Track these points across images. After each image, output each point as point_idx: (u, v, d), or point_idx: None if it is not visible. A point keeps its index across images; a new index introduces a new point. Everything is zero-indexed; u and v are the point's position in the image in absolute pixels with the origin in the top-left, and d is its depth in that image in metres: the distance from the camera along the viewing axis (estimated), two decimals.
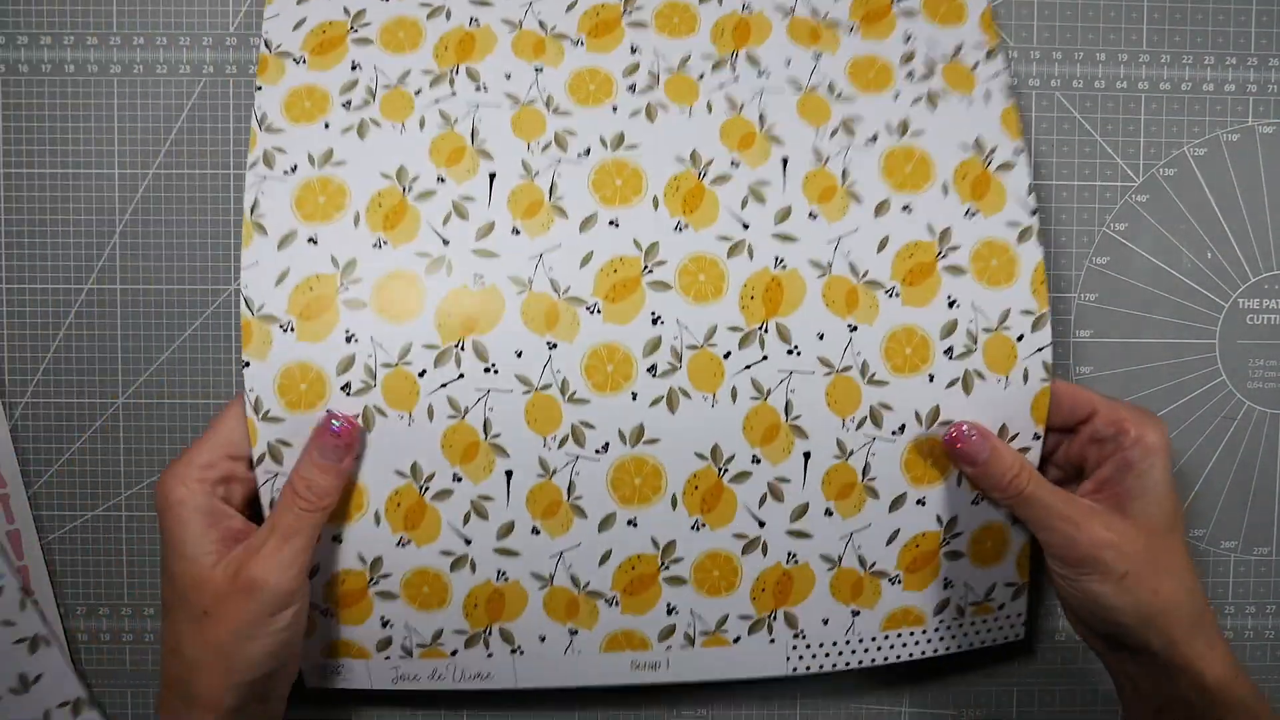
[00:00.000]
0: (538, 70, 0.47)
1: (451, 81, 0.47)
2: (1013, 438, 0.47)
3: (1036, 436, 0.47)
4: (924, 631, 0.49)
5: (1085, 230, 0.52)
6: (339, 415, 0.44)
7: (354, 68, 0.47)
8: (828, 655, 0.49)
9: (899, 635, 0.49)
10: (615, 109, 0.47)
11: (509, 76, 0.47)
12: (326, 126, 0.46)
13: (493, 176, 0.46)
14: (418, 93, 0.47)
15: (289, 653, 0.43)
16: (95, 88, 0.51)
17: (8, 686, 0.50)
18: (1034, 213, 0.47)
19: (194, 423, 0.52)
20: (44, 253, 0.51)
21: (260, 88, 0.46)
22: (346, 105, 0.46)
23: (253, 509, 0.45)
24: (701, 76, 0.47)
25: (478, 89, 0.47)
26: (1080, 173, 0.52)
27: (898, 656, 0.49)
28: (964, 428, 0.46)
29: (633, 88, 0.47)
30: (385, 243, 0.45)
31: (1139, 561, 0.43)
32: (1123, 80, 0.52)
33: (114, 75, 0.51)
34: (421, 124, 0.46)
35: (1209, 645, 0.43)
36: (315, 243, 0.45)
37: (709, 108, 0.47)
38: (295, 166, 0.46)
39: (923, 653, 0.49)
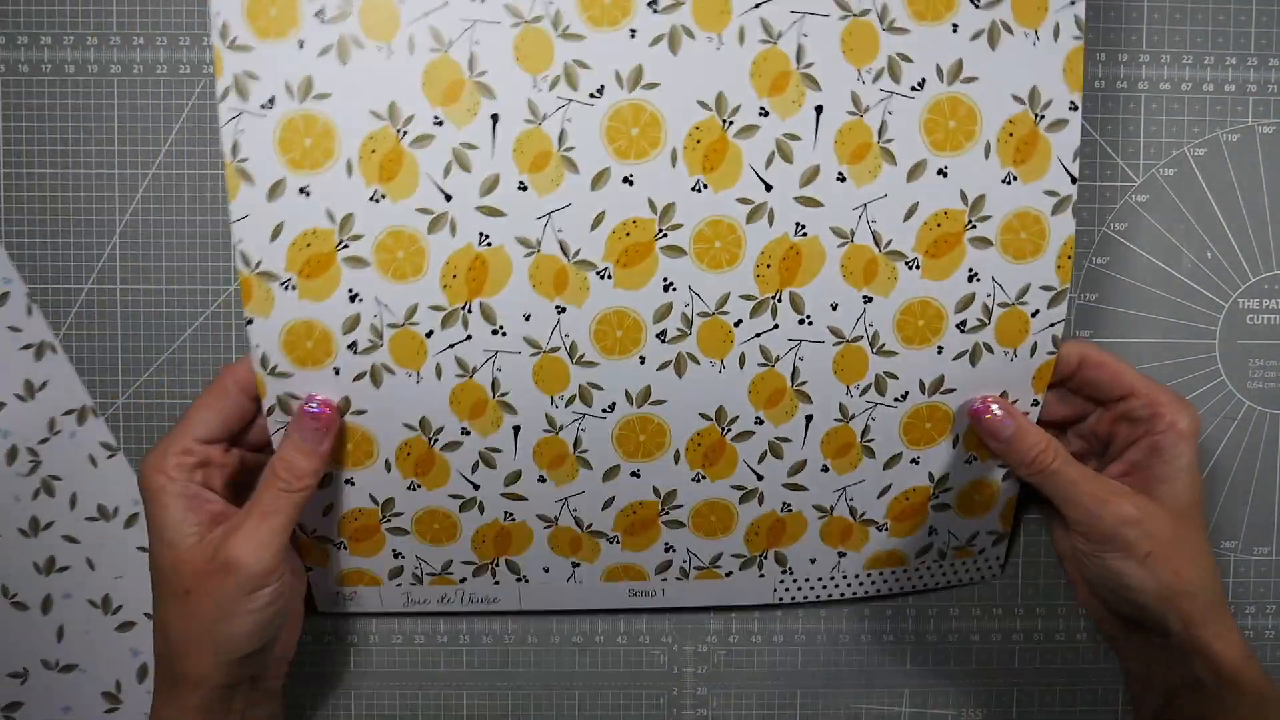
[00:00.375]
0: None
1: None
2: (1012, 403, 0.48)
3: (1035, 403, 0.48)
4: (905, 571, 0.51)
5: (1085, 230, 0.53)
6: (317, 398, 0.44)
7: None
8: (812, 589, 0.51)
9: (880, 574, 0.51)
10: (634, 33, 0.42)
11: None
12: (301, 45, 0.41)
13: (495, 119, 0.42)
14: (402, 2, 0.41)
15: (272, 631, 0.43)
16: (95, 88, 0.51)
17: (13, 392, 0.50)
18: (1074, 180, 0.45)
19: None
20: (44, 253, 0.51)
21: None
22: (319, 15, 0.41)
23: (234, 492, 0.45)
24: None
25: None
26: (1080, 173, 0.52)
27: (877, 590, 0.51)
28: (990, 404, 0.46)
29: (654, 4, 0.42)
30: (383, 196, 0.43)
31: (1163, 542, 0.43)
32: (1122, 80, 0.52)
33: (114, 75, 0.51)
34: (411, 45, 0.42)
35: (1225, 629, 0.44)
36: (307, 194, 0.42)
37: (741, 35, 0.42)
38: (273, 99, 0.42)
39: (900, 588, 0.51)
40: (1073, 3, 0.43)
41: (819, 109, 0.43)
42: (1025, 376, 0.47)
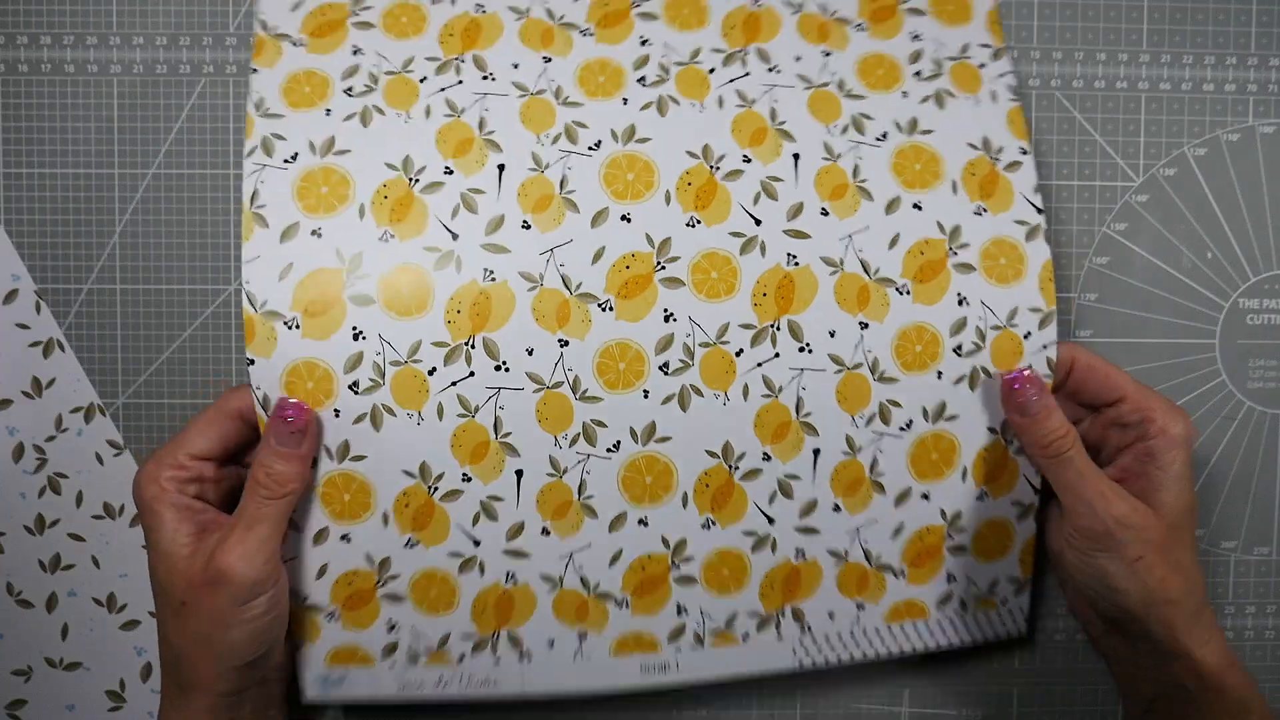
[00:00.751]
0: (546, 60, 0.46)
1: (457, 69, 0.46)
2: (1014, 434, 0.48)
3: None
4: (926, 624, 0.49)
5: (1085, 230, 0.52)
6: (290, 401, 0.44)
7: (355, 52, 0.46)
8: (832, 649, 0.49)
9: (902, 628, 0.49)
10: (626, 101, 0.46)
11: (516, 66, 0.46)
12: (328, 113, 0.45)
13: (501, 168, 0.45)
14: (423, 80, 0.46)
15: (271, 637, 0.43)
16: (95, 88, 0.51)
17: (20, 390, 0.51)
18: (1041, 211, 0.47)
19: None
20: (44, 252, 0.51)
21: (256, 70, 0.45)
22: (349, 91, 0.45)
23: (230, 502, 0.45)
24: (712, 70, 0.47)
25: (485, 78, 0.46)
26: (1080, 173, 0.52)
27: (900, 650, 0.49)
28: (1026, 375, 0.46)
29: (643, 79, 0.47)
30: (392, 236, 0.44)
31: (1153, 549, 0.44)
32: (1123, 80, 0.52)
33: (114, 75, 0.51)
34: (427, 113, 0.45)
35: (1206, 636, 0.44)
36: (319, 236, 0.44)
37: (720, 102, 0.47)
38: (296, 155, 0.44)
39: (925, 646, 0.49)
40: (1003, 75, 0.48)
41: (796, 156, 0.47)
42: None
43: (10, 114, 0.51)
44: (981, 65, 0.48)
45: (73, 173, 0.51)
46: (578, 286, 0.45)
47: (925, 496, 0.48)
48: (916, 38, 0.48)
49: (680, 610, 0.47)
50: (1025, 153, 0.47)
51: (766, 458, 0.47)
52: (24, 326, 0.51)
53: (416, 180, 0.45)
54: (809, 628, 0.48)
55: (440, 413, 0.45)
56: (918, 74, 0.48)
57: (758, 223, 0.46)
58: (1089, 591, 0.46)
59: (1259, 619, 0.54)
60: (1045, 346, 0.47)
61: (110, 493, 0.51)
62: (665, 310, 0.45)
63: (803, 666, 0.49)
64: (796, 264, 0.46)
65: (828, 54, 0.48)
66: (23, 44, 0.51)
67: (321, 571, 0.45)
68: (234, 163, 0.51)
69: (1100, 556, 0.44)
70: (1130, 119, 0.52)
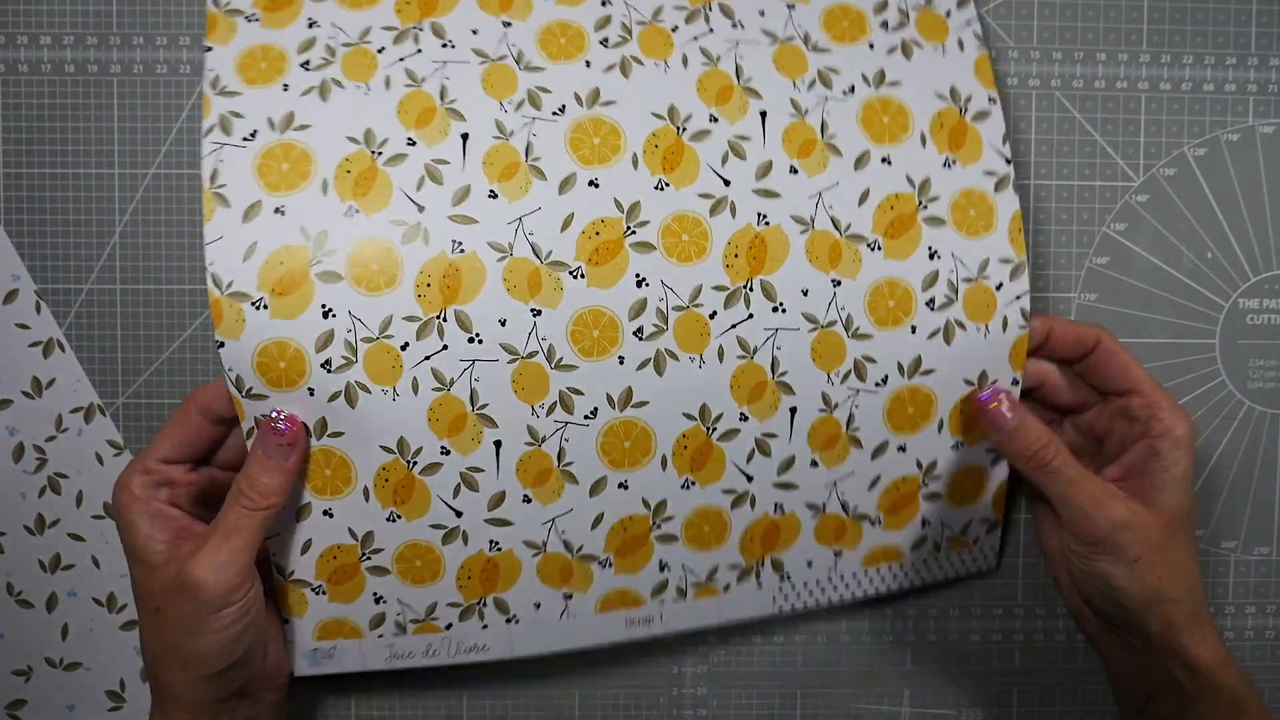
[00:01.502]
0: (506, 25, 0.45)
1: (416, 38, 0.45)
2: (992, 382, 0.48)
3: (1015, 382, 0.48)
4: (901, 566, 0.51)
5: (1085, 230, 0.52)
6: (282, 413, 0.43)
7: (311, 25, 0.45)
8: (810, 594, 0.50)
9: (878, 570, 0.50)
10: (589, 64, 0.45)
11: (475, 32, 0.45)
12: (285, 88, 0.44)
13: (465, 137, 0.44)
14: (381, 50, 0.45)
15: (240, 649, 0.43)
16: (95, 88, 0.51)
17: (20, 390, 0.51)
18: (1009, 161, 0.48)
19: None
20: (44, 252, 0.51)
21: (210, 48, 0.44)
22: (306, 65, 0.44)
23: (207, 510, 0.45)
24: (675, 29, 0.46)
25: (444, 45, 0.45)
26: (1080, 173, 0.52)
27: (876, 590, 0.51)
28: (998, 394, 0.47)
29: (605, 41, 0.46)
30: (357, 211, 0.43)
31: (1152, 548, 0.44)
32: (1123, 80, 0.52)
33: (114, 75, 0.51)
34: (387, 83, 0.44)
35: (1203, 635, 0.44)
36: (283, 213, 0.43)
37: (684, 61, 0.46)
38: (255, 132, 0.43)
39: (899, 586, 0.51)
40: (969, 23, 0.48)
41: (763, 114, 0.46)
42: (1002, 354, 0.48)
43: (10, 114, 0.51)
44: (947, 13, 0.48)
45: (73, 173, 0.51)
46: (548, 255, 0.44)
47: (902, 449, 0.49)
48: None
49: (662, 567, 0.48)
50: (993, 101, 0.48)
51: (744, 418, 0.47)
52: (24, 326, 0.51)
53: (379, 153, 0.44)
54: (788, 576, 0.50)
55: (415, 387, 0.44)
56: (884, 24, 0.48)
57: (727, 183, 0.46)
58: (1088, 592, 0.46)
59: (1259, 619, 0.54)
60: (1018, 297, 0.48)
61: (110, 493, 0.51)
62: (637, 275, 0.45)
63: (781, 611, 0.50)
64: (767, 223, 0.46)
65: (791, 6, 0.47)
66: (23, 44, 0.51)
67: (305, 547, 0.46)
68: None
69: (1099, 560, 0.44)
70: (1130, 119, 0.52)
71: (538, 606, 0.47)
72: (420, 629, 0.47)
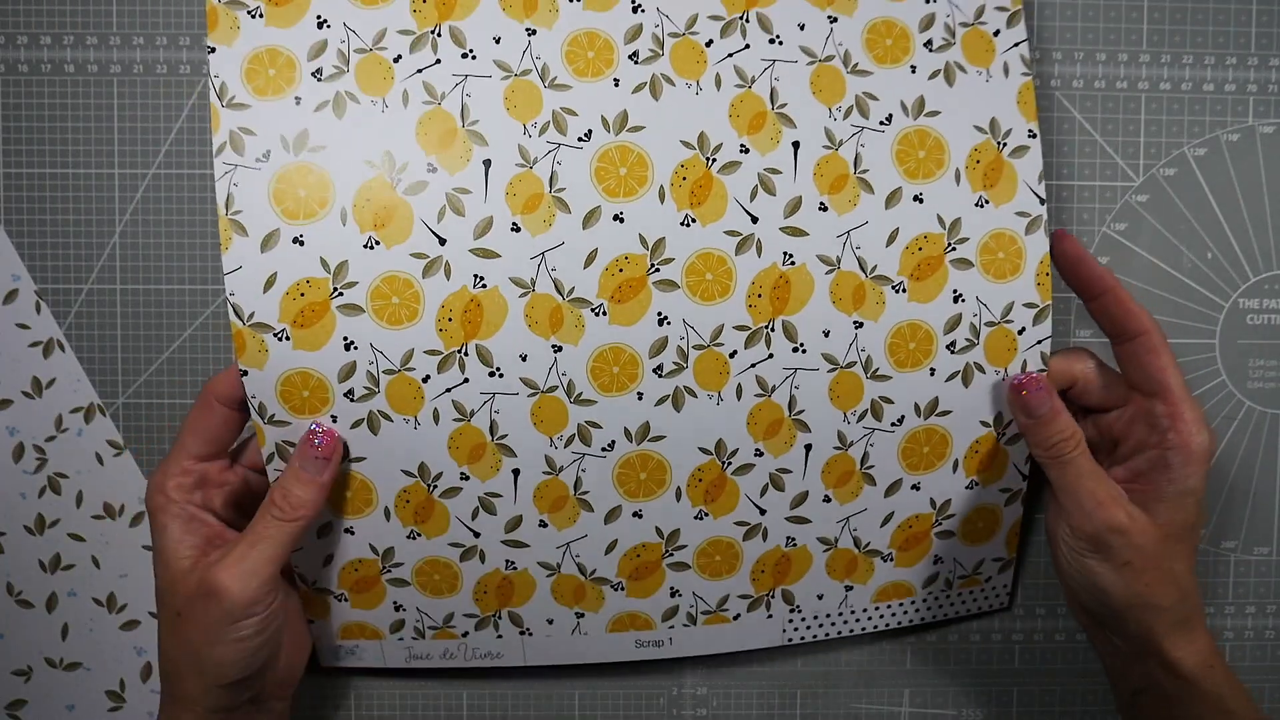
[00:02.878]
0: (530, 33, 0.44)
1: (434, 45, 0.43)
2: (1006, 425, 0.48)
3: None
4: (912, 602, 0.51)
5: (1085, 230, 0.52)
6: (321, 427, 0.44)
7: (321, 25, 0.43)
8: (820, 626, 0.50)
9: (889, 606, 0.50)
10: (617, 82, 0.44)
11: (498, 40, 0.43)
12: (298, 101, 0.43)
13: (488, 164, 0.43)
14: (397, 60, 0.43)
15: (259, 660, 0.43)
16: (95, 88, 0.51)
17: (20, 390, 0.51)
18: (1043, 201, 0.46)
19: None
20: (44, 252, 0.51)
21: (213, 49, 0.42)
22: (317, 75, 0.43)
23: (240, 515, 0.45)
24: (710, 43, 0.44)
25: (464, 55, 0.43)
26: (1080, 173, 0.52)
27: (886, 625, 0.51)
28: (1034, 378, 0.46)
29: (635, 56, 0.44)
30: (377, 242, 0.43)
31: (1144, 556, 0.43)
32: (1123, 80, 0.52)
33: (114, 75, 0.51)
34: (405, 99, 0.43)
35: (1188, 641, 0.44)
36: (301, 244, 0.43)
37: (718, 82, 0.44)
38: (268, 153, 0.42)
39: (910, 621, 0.51)
40: (1017, 45, 0.46)
41: (796, 144, 0.45)
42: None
43: (10, 114, 0.51)
44: (996, 32, 0.46)
45: (73, 173, 0.51)
46: (570, 291, 0.44)
47: (915, 487, 0.49)
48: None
49: (674, 593, 0.48)
50: (1033, 135, 0.46)
51: (759, 454, 0.47)
52: (24, 326, 0.51)
53: (399, 180, 0.43)
54: (798, 608, 0.50)
55: (436, 417, 0.45)
56: (928, 44, 0.45)
57: (754, 220, 0.45)
58: (1075, 585, 0.46)
59: (1259, 619, 0.54)
60: (1040, 342, 0.47)
61: (110, 493, 0.51)
62: (659, 314, 0.45)
63: (791, 642, 0.50)
64: (793, 263, 0.45)
65: (834, 19, 0.45)
66: (23, 44, 0.51)
67: (327, 560, 0.47)
68: None
69: (1089, 556, 0.44)
70: (1130, 119, 0.52)
71: (550, 622, 0.48)
72: (438, 635, 0.48)
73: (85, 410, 0.51)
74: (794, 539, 0.49)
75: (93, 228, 0.51)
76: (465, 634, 0.48)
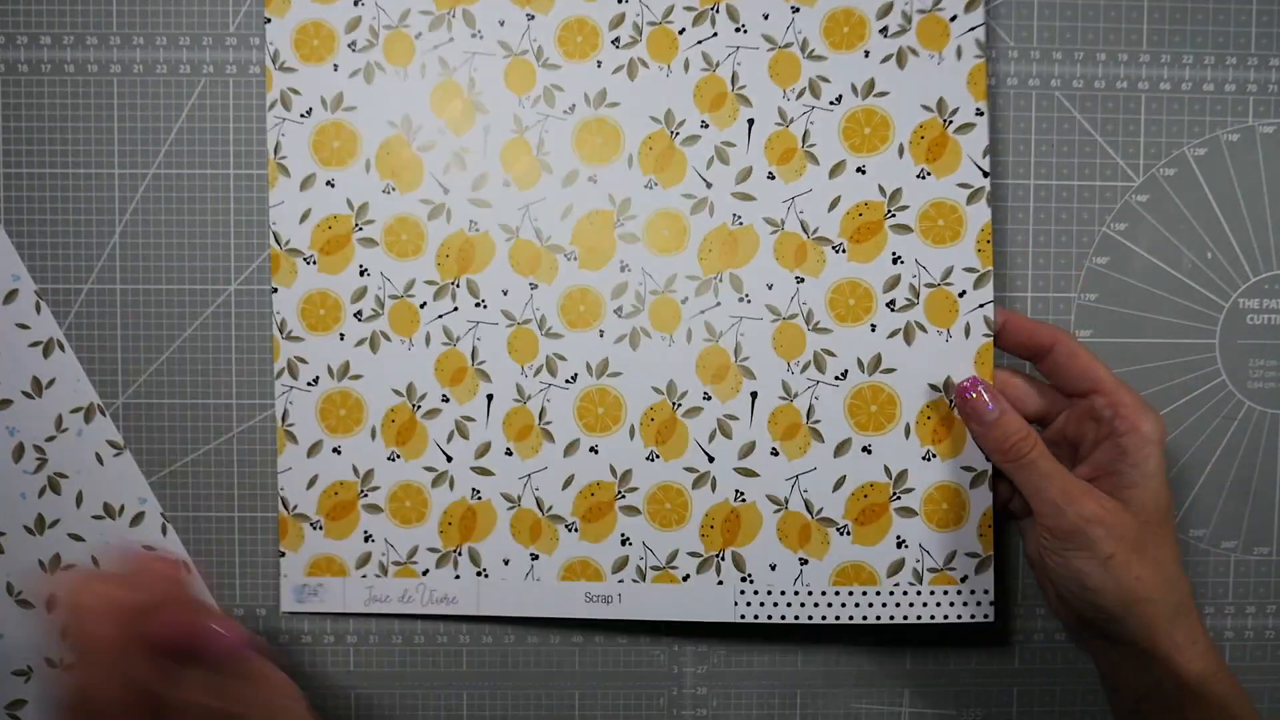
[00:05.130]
0: (529, 17, 0.51)
1: (449, 25, 0.51)
2: (971, 375, 0.49)
3: None
4: (878, 593, 0.51)
5: (1085, 230, 0.52)
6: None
7: (357, 2, 0.51)
8: (775, 605, 0.51)
9: (850, 593, 0.51)
10: (600, 64, 0.51)
11: (502, 23, 0.51)
12: (335, 69, 0.51)
13: (487, 129, 0.51)
14: (418, 36, 0.51)
15: None
16: (95, 88, 0.51)
17: (20, 390, 0.51)
18: (986, 175, 0.50)
19: (194, 422, 0.52)
20: (44, 252, 0.51)
21: (269, 20, 0.50)
22: (352, 46, 0.51)
23: None
24: (682, 31, 0.51)
25: (473, 35, 0.51)
26: (1080, 173, 0.52)
27: (849, 617, 0.51)
28: (978, 384, 0.47)
29: (617, 40, 0.51)
30: (394, 189, 0.51)
31: (1126, 545, 0.44)
32: (1123, 80, 0.52)
33: (114, 75, 0.51)
34: (423, 70, 0.51)
35: (1189, 639, 0.44)
36: (332, 186, 0.51)
37: (685, 66, 0.51)
38: (310, 110, 0.51)
39: (877, 617, 0.51)
40: (973, 29, 0.50)
41: (750, 121, 0.51)
42: (965, 358, 0.50)
43: (10, 114, 0.51)
44: (953, 18, 0.50)
45: (73, 173, 0.51)
46: (548, 239, 0.51)
47: (866, 449, 0.51)
48: None
49: (625, 541, 0.51)
50: (980, 114, 0.50)
51: (707, 397, 0.51)
52: (24, 326, 0.51)
53: (414, 139, 0.51)
54: (750, 577, 0.51)
55: (428, 340, 0.51)
56: (884, 30, 0.50)
57: (709, 185, 0.51)
58: (1067, 594, 0.46)
59: (1259, 619, 0.54)
60: (981, 305, 0.50)
61: (110, 493, 0.51)
62: (622, 262, 0.51)
63: (744, 619, 0.51)
64: (741, 224, 0.51)
65: (796, 9, 0.51)
66: (23, 44, 0.51)
67: (312, 482, 0.52)
68: (234, 163, 0.51)
69: (1073, 556, 0.44)
70: (1130, 119, 0.52)
71: (506, 563, 0.52)
72: (400, 572, 0.52)
73: (85, 410, 0.51)
74: (742, 493, 0.51)
75: (93, 228, 0.51)
76: (425, 572, 0.52)
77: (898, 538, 0.51)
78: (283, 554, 0.52)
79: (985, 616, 0.51)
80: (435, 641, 0.53)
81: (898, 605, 0.51)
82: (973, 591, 0.51)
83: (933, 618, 0.51)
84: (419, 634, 0.53)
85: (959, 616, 0.51)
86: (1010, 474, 0.46)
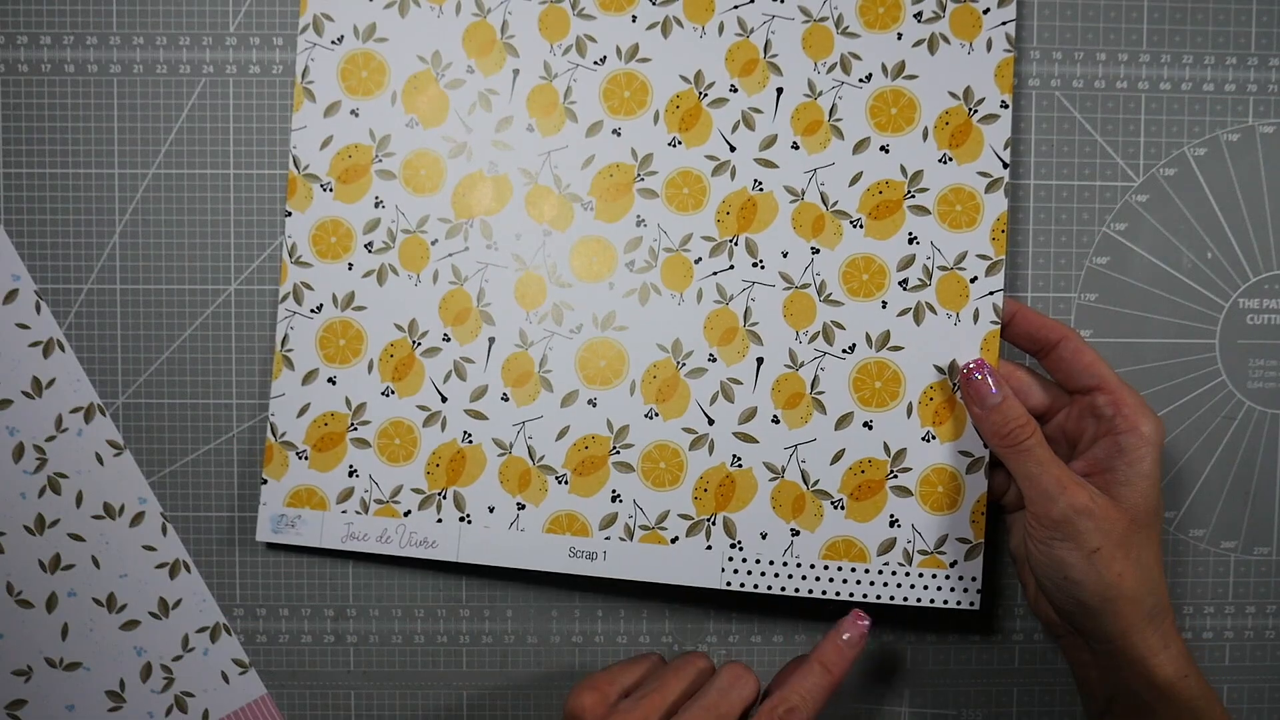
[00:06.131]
0: None
1: None
2: (977, 358, 0.49)
3: None
4: (866, 570, 0.50)
5: (1085, 230, 0.52)
6: None
7: None
8: (764, 575, 0.50)
9: (839, 568, 0.50)
10: (635, 19, 0.51)
11: None
12: (371, 0, 0.51)
13: (516, 73, 0.51)
14: None
15: None
16: (95, 88, 0.51)
17: (20, 390, 0.51)
18: (1006, 165, 0.50)
19: (194, 422, 0.52)
20: (44, 252, 0.51)
21: None
22: None
23: None
24: None
25: None
26: (1080, 173, 0.52)
27: (836, 593, 0.50)
28: (984, 367, 0.47)
29: None
30: (417, 124, 0.51)
31: (1112, 541, 0.44)
32: (1123, 80, 0.52)
33: (114, 75, 0.51)
34: (458, 9, 0.51)
35: (1163, 643, 0.44)
36: (356, 115, 0.51)
37: (720, 29, 0.51)
38: (342, 37, 0.51)
39: (864, 595, 0.50)
40: (1005, 23, 0.50)
41: (779, 90, 0.51)
42: (972, 343, 0.50)
43: (10, 114, 0.51)
44: (986, 10, 0.50)
45: (73, 173, 0.51)
46: (566, 186, 0.51)
47: (868, 425, 0.50)
48: None
49: (615, 497, 0.51)
50: (1005, 106, 0.50)
51: (712, 359, 0.51)
52: (24, 326, 0.51)
53: (442, 76, 0.51)
54: (739, 544, 0.50)
55: (435, 277, 0.51)
56: (918, 15, 0.50)
57: (732, 149, 0.51)
58: (1047, 583, 0.46)
59: (1259, 619, 0.54)
60: (991, 293, 0.50)
61: (110, 493, 0.51)
62: (638, 216, 0.51)
63: (730, 586, 0.50)
64: (761, 189, 0.51)
65: None
66: (23, 44, 0.51)
67: (303, 410, 0.51)
68: (234, 163, 0.51)
69: (1059, 546, 0.44)
70: (1130, 119, 0.52)
71: (491, 510, 0.51)
72: (381, 511, 0.51)
73: (85, 410, 0.51)
74: (740, 459, 0.50)
75: (93, 228, 0.51)
76: (407, 513, 0.51)
77: (891, 516, 0.50)
78: (264, 481, 0.51)
79: (971, 604, 0.50)
80: (435, 641, 0.53)
81: (885, 585, 0.50)
82: (960, 578, 0.50)
83: (919, 601, 0.50)
84: (419, 634, 0.53)
85: (944, 602, 0.50)
86: (1006, 459, 0.47)
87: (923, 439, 0.50)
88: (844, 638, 0.45)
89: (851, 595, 0.50)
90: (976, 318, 0.50)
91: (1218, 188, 0.52)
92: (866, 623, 0.46)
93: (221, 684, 0.52)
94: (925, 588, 0.50)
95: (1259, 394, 0.53)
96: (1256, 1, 0.52)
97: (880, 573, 0.50)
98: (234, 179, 0.51)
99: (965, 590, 0.50)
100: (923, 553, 0.50)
